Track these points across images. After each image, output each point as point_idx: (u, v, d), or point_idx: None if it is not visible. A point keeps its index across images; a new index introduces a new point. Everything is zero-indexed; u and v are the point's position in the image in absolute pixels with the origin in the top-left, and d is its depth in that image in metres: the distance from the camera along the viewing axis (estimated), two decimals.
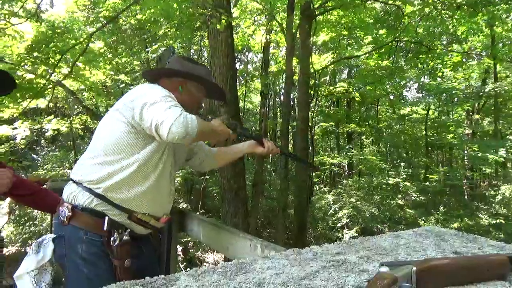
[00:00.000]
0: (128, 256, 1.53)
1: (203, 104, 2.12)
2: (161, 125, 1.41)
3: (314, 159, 11.66)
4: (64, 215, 1.51)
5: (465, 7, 7.17)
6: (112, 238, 1.51)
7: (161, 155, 1.60)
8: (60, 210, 1.54)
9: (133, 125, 1.53)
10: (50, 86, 6.31)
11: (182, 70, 1.75)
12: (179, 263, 7.23)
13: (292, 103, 10.48)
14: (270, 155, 1.99)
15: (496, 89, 12.12)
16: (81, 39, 6.13)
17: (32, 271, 1.53)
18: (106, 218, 1.51)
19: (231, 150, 2.03)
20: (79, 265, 1.48)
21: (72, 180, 1.58)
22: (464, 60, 10.85)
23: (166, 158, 1.63)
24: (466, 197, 13.61)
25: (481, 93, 13.00)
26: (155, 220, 1.64)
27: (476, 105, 14.38)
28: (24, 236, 8.73)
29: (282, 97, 14.09)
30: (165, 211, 1.71)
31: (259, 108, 13.92)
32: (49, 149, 12.94)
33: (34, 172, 11.28)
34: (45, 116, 9.18)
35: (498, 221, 10.43)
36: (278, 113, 16.52)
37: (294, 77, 8.60)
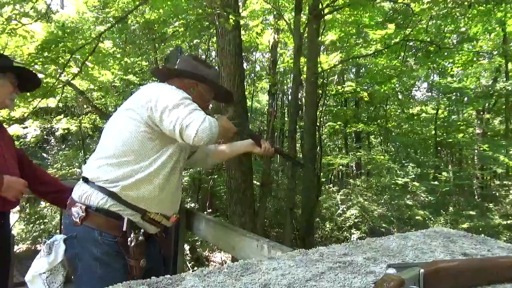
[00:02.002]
0: (143, 256, 1.54)
1: (210, 105, 2.14)
2: (186, 129, 1.43)
3: (322, 159, 11.61)
4: (78, 216, 1.51)
5: (477, 5, 7.10)
6: (129, 239, 1.51)
7: (178, 156, 1.63)
8: (72, 211, 1.54)
9: (149, 125, 1.54)
10: (60, 85, 6.38)
11: (195, 72, 1.76)
12: (187, 262, 7.26)
13: (300, 102, 10.46)
14: (268, 155, 2.00)
15: (507, 88, 11.95)
16: (90, 39, 6.19)
17: (44, 273, 1.53)
18: (126, 218, 1.52)
19: (230, 148, 2.04)
20: (93, 265, 1.49)
21: (84, 179, 1.57)
22: (475, 59, 10.71)
23: (182, 158, 1.66)
24: (476, 197, 13.46)
25: (492, 92, 12.84)
26: (166, 219, 1.66)
27: (487, 104, 14.20)
28: (34, 234, 8.84)
29: (289, 97, 14.08)
30: (175, 210, 1.73)
31: (267, 107, 13.92)
32: (59, 148, 13.08)
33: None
34: (55, 115, 9.28)
35: (509, 221, 10.29)
36: (286, 113, 16.51)
37: (302, 77, 8.58)
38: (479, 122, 14.82)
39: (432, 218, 10.58)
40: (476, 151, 13.95)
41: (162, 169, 1.57)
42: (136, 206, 1.54)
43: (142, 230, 1.56)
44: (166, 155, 1.57)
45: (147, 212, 1.58)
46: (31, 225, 9.36)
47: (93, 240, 1.50)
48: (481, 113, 14.77)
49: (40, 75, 5.98)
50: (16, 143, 6.97)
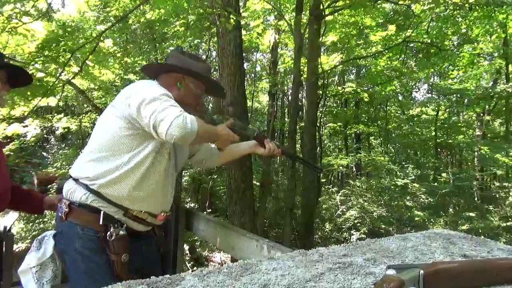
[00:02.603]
0: (125, 251, 1.52)
1: (208, 104, 2.14)
2: (160, 124, 1.41)
3: (322, 159, 11.62)
4: (62, 211, 1.54)
5: (478, 7, 7.10)
6: (108, 233, 1.50)
7: (157, 154, 1.59)
8: (59, 207, 1.58)
9: (130, 121, 1.53)
10: (60, 84, 6.37)
11: (181, 65, 1.73)
12: (186, 262, 7.26)
13: (300, 103, 10.46)
14: (273, 156, 1.97)
15: (508, 90, 11.95)
16: (91, 38, 6.19)
17: (34, 267, 1.56)
18: (102, 212, 1.52)
19: (233, 150, 2.01)
20: (77, 260, 1.51)
21: (71, 176, 1.61)
22: (475, 61, 10.72)
23: (164, 156, 1.62)
24: (476, 199, 13.45)
25: (492, 94, 12.84)
26: (152, 217, 1.64)
27: (487, 106, 14.20)
28: (34, 233, 8.84)
29: (290, 97, 14.08)
30: (163, 208, 1.70)
31: (267, 107, 13.92)
32: (59, 147, 13.08)
33: (44, 170, 11.41)
34: (55, 114, 9.28)
35: (508, 223, 10.29)
36: (286, 113, 16.51)
37: (303, 77, 8.58)
38: (479, 123, 14.82)
39: (432, 220, 10.57)
40: (476, 153, 13.95)
41: (138, 168, 1.54)
42: (116, 203, 1.54)
43: (124, 225, 1.55)
44: (143, 153, 1.54)
45: (130, 210, 1.57)
46: (30, 224, 9.35)
47: (76, 235, 1.51)
48: (481, 115, 14.77)
49: (40, 74, 6.01)
50: (16, 142, 6.97)
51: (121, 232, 1.52)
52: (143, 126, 1.50)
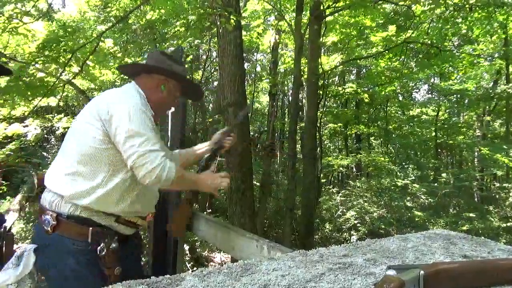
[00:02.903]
0: (117, 264, 1.49)
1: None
2: (137, 168, 1.41)
3: (322, 160, 11.60)
4: (49, 224, 1.45)
5: (478, 8, 7.09)
6: (99, 248, 1.46)
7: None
8: (43, 219, 1.47)
9: (108, 135, 1.49)
10: (61, 84, 6.37)
11: (164, 67, 1.71)
12: (186, 263, 7.25)
13: (300, 103, 10.45)
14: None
15: (508, 91, 11.95)
16: (91, 38, 6.19)
17: (11, 284, 1.46)
18: (90, 229, 1.46)
19: (190, 160, 2.08)
20: (67, 275, 1.44)
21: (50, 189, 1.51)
22: (475, 62, 10.71)
23: None
24: (476, 199, 13.45)
25: (493, 95, 12.84)
26: (142, 219, 1.65)
27: (488, 106, 14.20)
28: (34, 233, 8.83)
29: (290, 97, 14.06)
30: (151, 209, 1.70)
31: (267, 108, 13.92)
32: (59, 147, 13.06)
33: (44, 170, 11.41)
34: (56, 114, 9.28)
35: (509, 224, 10.28)
36: (287, 113, 16.51)
37: (303, 78, 8.58)
38: (479, 124, 14.82)
39: (432, 220, 10.57)
40: (476, 153, 13.94)
41: (124, 180, 1.52)
42: (107, 213, 1.51)
43: (115, 237, 1.51)
44: (124, 164, 1.50)
45: (121, 216, 1.55)
46: (30, 224, 9.35)
47: (67, 249, 1.45)
48: (482, 115, 14.77)
49: (41, 74, 6.01)
50: (17, 142, 6.97)
51: (113, 245, 1.48)
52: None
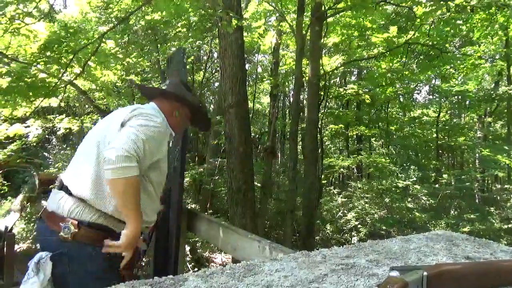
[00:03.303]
0: (134, 266, 1.58)
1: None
2: (110, 149, 1.44)
3: (323, 161, 11.60)
4: (69, 232, 1.47)
5: (479, 10, 7.09)
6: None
7: (154, 169, 1.66)
8: (62, 226, 1.48)
9: None
10: (62, 85, 6.38)
11: (180, 95, 1.85)
12: (187, 263, 7.25)
13: (301, 104, 10.45)
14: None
15: (509, 92, 11.94)
16: (93, 39, 6.20)
17: None
18: (110, 235, 1.52)
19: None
20: (88, 280, 1.47)
21: (70, 192, 1.53)
22: (476, 63, 10.71)
23: (158, 170, 1.69)
24: (477, 201, 13.43)
25: (494, 96, 12.83)
26: (146, 228, 1.76)
27: (489, 108, 14.19)
28: (35, 233, 8.83)
29: (291, 98, 14.06)
30: (155, 218, 1.80)
31: (268, 109, 13.93)
32: (60, 147, 13.10)
33: (45, 170, 11.43)
34: (57, 115, 9.29)
35: (510, 225, 10.27)
36: (288, 114, 16.51)
37: (304, 79, 8.58)
38: (480, 125, 14.81)
39: (433, 221, 10.55)
40: (477, 154, 13.93)
41: (153, 187, 1.64)
42: (122, 221, 1.55)
43: None
44: (154, 173, 1.63)
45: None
46: (31, 224, 9.36)
47: (87, 256, 1.48)
48: (483, 116, 14.76)
49: (42, 75, 6.02)
50: (18, 142, 6.98)
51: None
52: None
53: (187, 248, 7.39)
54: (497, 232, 9.95)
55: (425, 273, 0.71)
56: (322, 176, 11.94)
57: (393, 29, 8.42)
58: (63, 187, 1.56)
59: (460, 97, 13.51)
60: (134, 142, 1.44)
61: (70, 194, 1.53)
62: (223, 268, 0.89)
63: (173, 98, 1.84)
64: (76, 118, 9.93)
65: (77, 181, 1.55)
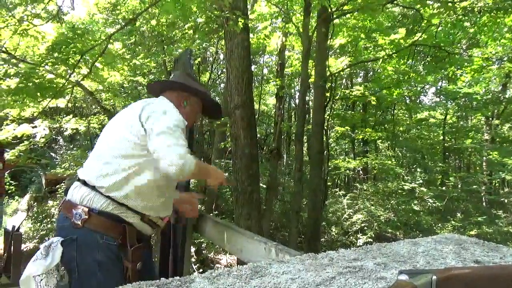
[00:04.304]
0: (140, 259, 1.56)
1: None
2: (160, 160, 1.48)
3: (329, 162, 11.58)
4: (79, 218, 1.51)
5: (487, 12, 7.04)
6: (128, 242, 1.54)
7: None
8: (73, 213, 1.53)
9: (144, 140, 1.58)
10: (70, 86, 6.43)
11: (188, 85, 1.85)
12: (192, 264, 7.26)
13: (307, 106, 10.44)
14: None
15: None
16: (100, 40, 6.24)
17: (39, 275, 1.49)
18: (121, 225, 1.55)
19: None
20: (94, 269, 1.50)
21: (83, 181, 1.58)
22: (484, 65, 10.62)
23: None
24: (484, 204, 13.31)
25: (502, 98, 12.71)
26: (161, 220, 1.73)
27: (496, 110, 14.06)
28: (42, 232, 8.90)
29: (297, 100, 14.04)
30: (170, 211, 1.80)
31: (274, 110, 13.92)
32: (67, 148, 13.19)
33: (52, 170, 11.53)
34: (64, 115, 9.36)
35: None
36: (293, 116, 16.49)
37: (310, 80, 8.57)
38: (488, 128, 14.68)
39: (440, 224, 10.48)
40: (484, 157, 13.81)
41: (166, 180, 1.63)
42: (137, 211, 1.58)
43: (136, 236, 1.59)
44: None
45: (146, 215, 1.62)
46: (38, 223, 9.43)
47: (95, 243, 1.50)
48: (490, 119, 14.63)
49: (50, 76, 6.07)
50: (26, 142, 7.04)
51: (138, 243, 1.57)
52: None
53: (193, 249, 7.40)
54: (504, 236, 9.85)
55: (434, 277, 0.69)
56: (328, 178, 11.92)
57: (402, 31, 8.38)
58: (79, 179, 1.62)
59: (467, 99, 13.42)
60: (174, 140, 1.51)
61: (84, 183, 1.58)
62: (229, 269, 0.89)
63: (179, 88, 1.84)
64: (83, 118, 10.00)
65: (86, 171, 1.61)
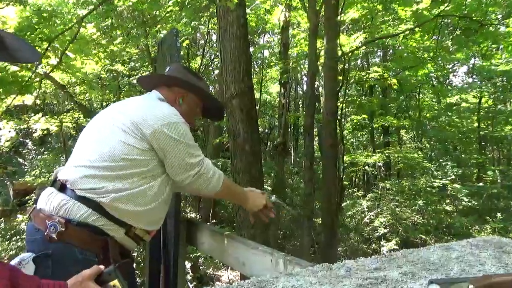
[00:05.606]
0: (127, 277, 1.53)
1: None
2: (195, 181, 1.70)
3: (344, 157, 11.59)
4: (55, 230, 1.50)
5: None
6: (111, 258, 1.54)
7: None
8: (48, 224, 1.52)
9: (152, 150, 1.65)
10: (37, 79, 6.43)
11: (185, 80, 1.88)
12: (188, 283, 7.29)
13: (317, 92, 10.43)
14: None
15: None
16: (71, 24, 6.24)
17: None
18: (101, 239, 1.55)
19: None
20: None
21: (60, 187, 1.58)
22: None
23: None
24: None
25: None
26: (148, 235, 1.74)
27: None
28: (11, 252, 8.93)
29: (305, 86, 14.03)
30: (159, 225, 1.82)
31: (278, 99, 13.93)
32: (37, 152, 13.23)
33: (20, 179, 11.56)
34: (32, 114, 9.38)
35: None
36: (301, 105, 16.49)
37: (319, 62, 8.56)
38: None
39: (477, 227, 10.48)
40: None
41: (163, 188, 1.68)
42: (120, 221, 1.58)
43: (131, 251, 1.62)
44: (158, 170, 1.68)
45: (133, 227, 1.63)
46: (6, 242, 9.46)
47: (73, 259, 1.50)
48: None
49: (13, 68, 6.08)
50: None
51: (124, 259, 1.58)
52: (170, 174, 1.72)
53: (188, 264, 7.42)
54: None
55: (471, 286, 0.69)
56: (344, 176, 11.92)
57: (426, 1, 8.33)
58: (54, 184, 1.62)
59: (505, 78, 13.37)
60: (189, 157, 1.68)
61: (60, 189, 1.58)
62: (229, 286, 0.89)
63: (176, 84, 1.87)
64: (54, 117, 10.02)
65: (67, 172, 1.62)
